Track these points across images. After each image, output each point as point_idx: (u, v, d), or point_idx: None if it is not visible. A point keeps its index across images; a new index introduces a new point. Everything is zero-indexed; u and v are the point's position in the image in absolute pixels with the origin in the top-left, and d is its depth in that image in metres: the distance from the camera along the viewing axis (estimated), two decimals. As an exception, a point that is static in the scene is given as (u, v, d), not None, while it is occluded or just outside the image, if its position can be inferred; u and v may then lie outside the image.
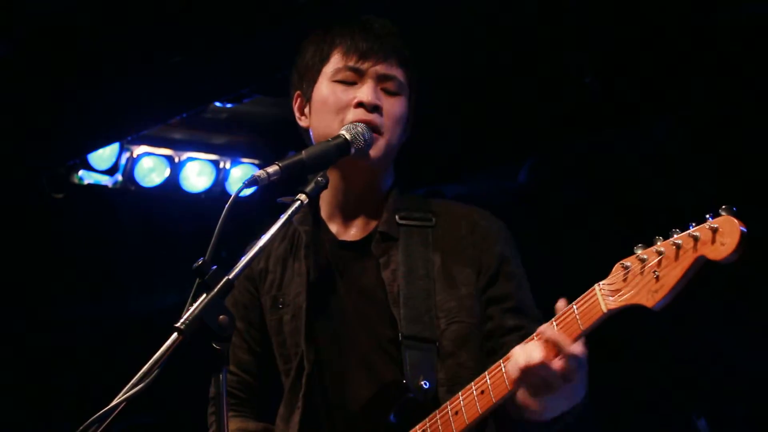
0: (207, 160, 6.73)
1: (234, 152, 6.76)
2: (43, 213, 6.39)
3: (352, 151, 2.91)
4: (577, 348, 2.57)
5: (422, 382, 2.86)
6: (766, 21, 4.74)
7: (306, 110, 3.15)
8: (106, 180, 6.58)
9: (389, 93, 3.05)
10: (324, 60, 3.08)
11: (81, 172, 6.49)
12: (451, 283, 3.00)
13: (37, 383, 7.02)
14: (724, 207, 2.37)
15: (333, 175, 3.06)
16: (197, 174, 6.72)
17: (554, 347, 2.56)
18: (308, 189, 2.76)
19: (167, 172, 6.65)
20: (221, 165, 6.75)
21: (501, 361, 2.69)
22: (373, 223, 3.09)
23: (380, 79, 3.03)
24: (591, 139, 5.78)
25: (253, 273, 3.17)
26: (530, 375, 2.59)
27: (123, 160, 6.56)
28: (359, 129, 2.93)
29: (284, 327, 3.08)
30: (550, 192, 6.23)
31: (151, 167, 6.62)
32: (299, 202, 2.73)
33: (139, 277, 7.02)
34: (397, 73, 3.06)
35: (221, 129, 6.63)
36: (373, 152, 2.99)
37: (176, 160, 6.66)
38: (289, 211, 2.69)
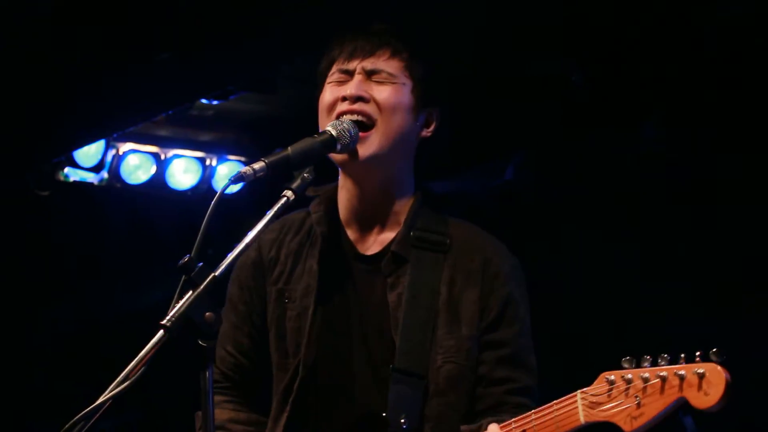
0: (193, 157, 6.72)
1: (220, 149, 6.75)
2: (29, 210, 6.37)
3: (338, 147, 2.90)
4: None
5: (402, 420, 2.87)
6: (753, 20, 4.76)
7: None
8: (91, 177, 6.56)
9: (380, 83, 3.04)
10: (326, 71, 3.13)
11: (67, 170, 6.47)
12: (455, 319, 2.98)
13: (22, 381, 7.00)
14: (714, 351, 2.43)
15: (346, 180, 3.08)
16: (183, 171, 6.70)
17: None
18: (294, 186, 2.75)
19: (153, 170, 6.64)
20: (207, 162, 6.74)
21: None
22: (390, 236, 3.07)
23: (368, 74, 3.04)
24: (578, 137, 5.79)
25: (263, 261, 3.16)
26: None
27: (109, 158, 6.54)
28: (345, 125, 2.92)
29: (287, 322, 3.07)
30: (537, 189, 6.23)
31: (137, 164, 6.61)
32: (285, 198, 2.72)
33: (125, 274, 7.01)
34: (385, 65, 3.05)
35: (207, 126, 6.61)
36: (365, 149, 2.98)
37: (162, 157, 6.64)
38: (275, 208, 2.68)
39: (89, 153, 6.44)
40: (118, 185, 6.60)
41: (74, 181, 6.53)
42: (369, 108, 3.00)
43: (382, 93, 3.02)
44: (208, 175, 6.74)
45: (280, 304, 3.10)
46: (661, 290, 5.72)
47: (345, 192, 3.11)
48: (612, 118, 5.51)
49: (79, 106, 5.57)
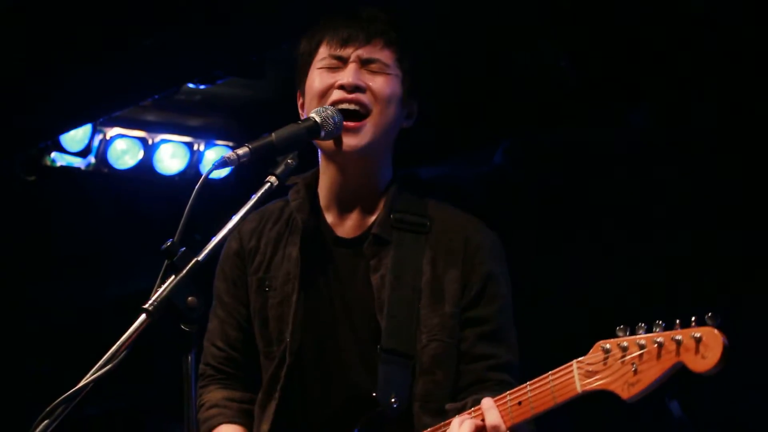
0: (181, 142, 6.70)
1: (208, 134, 6.73)
2: (15, 195, 6.35)
3: (322, 134, 2.90)
4: None
5: (392, 399, 2.89)
6: (745, 9, 4.76)
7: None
8: (78, 162, 6.54)
9: (374, 73, 3.04)
10: (312, 53, 3.11)
11: (53, 154, 6.45)
12: (438, 297, 3.00)
13: (11, 367, 7.00)
14: (709, 315, 2.40)
15: (329, 167, 3.09)
16: (171, 156, 6.69)
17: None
18: (278, 171, 2.74)
19: (141, 154, 6.62)
20: (195, 147, 6.72)
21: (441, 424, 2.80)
22: (369, 219, 3.08)
23: (363, 63, 3.04)
24: (566, 123, 5.79)
25: (244, 250, 3.17)
26: None
27: (96, 142, 6.52)
28: (329, 112, 2.92)
29: (269, 310, 3.08)
30: (526, 174, 6.24)
31: (124, 149, 6.59)
32: (269, 184, 2.72)
33: (112, 260, 7.00)
34: (380, 55, 3.05)
35: (195, 111, 6.59)
36: (359, 139, 2.99)
37: (150, 142, 6.63)
38: (259, 193, 2.68)
39: (76, 137, 6.41)
40: (105, 170, 6.58)
41: (61, 166, 6.50)
42: (365, 98, 3.01)
43: (377, 83, 3.03)
44: (195, 160, 6.73)
45: (261, 293, 3.11)
46: (655, 277, 5.74)
47: (327, 178, 3.11)
48: (601, 104, 5.51)
49: (65, 90, 5.55)
